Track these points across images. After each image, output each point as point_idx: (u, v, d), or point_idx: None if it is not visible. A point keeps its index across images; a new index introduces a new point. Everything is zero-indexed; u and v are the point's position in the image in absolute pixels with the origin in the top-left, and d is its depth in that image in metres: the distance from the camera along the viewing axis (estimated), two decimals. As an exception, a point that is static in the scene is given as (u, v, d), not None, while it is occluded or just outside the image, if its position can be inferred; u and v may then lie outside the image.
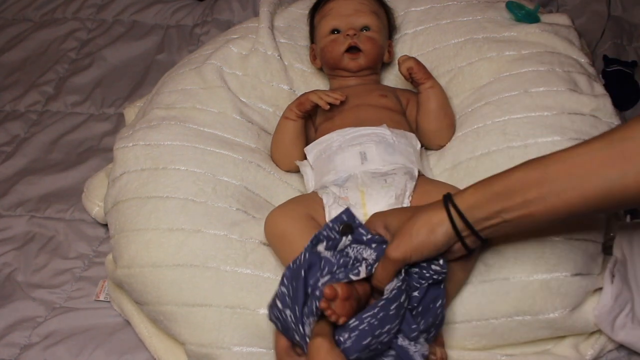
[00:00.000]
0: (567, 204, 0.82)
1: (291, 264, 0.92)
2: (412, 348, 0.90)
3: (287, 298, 0.90)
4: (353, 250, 0.94)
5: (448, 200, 0.88)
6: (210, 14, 1.79)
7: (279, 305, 0.91)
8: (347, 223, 0.96)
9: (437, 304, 0.92)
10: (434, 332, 0.94)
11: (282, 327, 0.92)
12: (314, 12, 1.38)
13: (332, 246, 0.94)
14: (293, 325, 0.90)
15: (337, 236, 0.95)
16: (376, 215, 0.98)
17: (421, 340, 0.91)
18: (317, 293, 0.88)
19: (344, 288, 0.87)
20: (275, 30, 1.39)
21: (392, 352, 0.90)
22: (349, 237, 0.95)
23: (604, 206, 0.82)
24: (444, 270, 0.91)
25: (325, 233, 0.95)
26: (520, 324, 1.01)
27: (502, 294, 1.00)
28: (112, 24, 1.82)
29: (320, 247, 0.93)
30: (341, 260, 0.92)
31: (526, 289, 1.00)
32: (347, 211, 0.97)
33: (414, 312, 0.91)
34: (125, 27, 1.81)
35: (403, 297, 0.89)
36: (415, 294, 0.91)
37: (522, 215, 0.84)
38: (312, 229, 1.00)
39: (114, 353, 1.11)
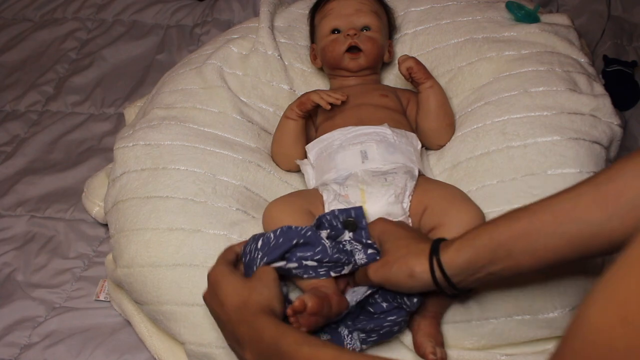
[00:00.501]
0: (553, 253, 0.81)
1: (294, 227, 0.94)
2: (347, 339, 0.95)
3: (267, 246, 0.94)
4: (351, 245, 0.95)
5: (433, 254, 0.88)
6: (210, 14, 1.80)
7: (259, 244, 0.94)
8: (352, 220, 0.97)
9: (390, 320, 0.95)
10: (375, 338, 0.96)
11: (246, 261, 0.95)
12: (314, 12, 1.38)
13: (333, 236, 0.96)
14: (254, 268, 0.93)
15: (340, 226, 0.97)
16: (377, 225, 0.99)
17: (355, 335, 0.95)
18: (292, 265, 0.93)
19: (314, 303, 0.89)
20: (275, 30, 1.39)
21: (327, 335, 0.94)
22: (350, 233, 0.96)
23: (591, 251, 0.80)
24: (413, 309, 0.94)
25: (328, 218, 0.97)
26: (520, 324, 1.00)
27: (501, 293, 1.00)
28: (112, 24, 1.82)
29: (323, 233, 0.95)
30: (335, 256, 0.94)
31: (525, 288, 0.99)
32: (359, 209, 0.98)
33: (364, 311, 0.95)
34: (125, 27, 1.81)
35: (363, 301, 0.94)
36: (383, 304, 0.95)
37: (507, 266, 0.84)
38: (308, 223, 1.01)
39: (114, 353, 1.11)
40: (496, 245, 0.83)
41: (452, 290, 0.88)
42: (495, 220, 0.86)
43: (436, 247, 0.88)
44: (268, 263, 0.93)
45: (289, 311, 0.89)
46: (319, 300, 0.90)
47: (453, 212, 1.02)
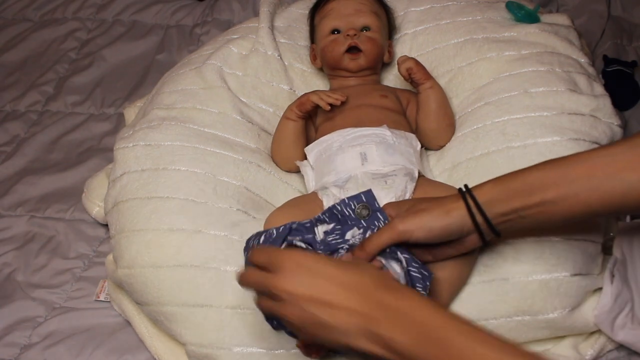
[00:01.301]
0: (585, 205, 0.82)
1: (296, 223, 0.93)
2: None
3: (268, 241, 0.93)
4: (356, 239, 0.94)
5: (466, 191, 0.88)
6: (210, 14, 1.80)
7: (261, 239, 0.93)
8: (365, 204, 0.96)
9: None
10: None
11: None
12: (314, 12, 1.38)
13: (339, 233, 0.93)
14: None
15: (353, 216, 0.94)
16: (390, 204, 0.98)
17: None
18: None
19: None
20: (275, 30, 1.39)
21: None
22: (359, 231, 0.94)
23: (622, 209, 0.83)
24: (428, 281, 0.90)
25: (339, 208, 0.95)
26: (520, 324, 1.01)
27: (501, 294, 1.00)
28: (112, 24, 1.82)
29: (321, 228, 0.94)
30: (320, 247, 0.92)
31: (525, 289, 1.00)
32: (369, 193, 0.96)
33: None
34: (125, 27, 1.81)
35: None
36: None
37: (538, 212, 0.84)
38: None
39: (114, 353, 1.12)
40: (529, 188, 0.84)
41: (487, 229, 0.87)
42: (529, 168, 0.87)
43: (466, 187, 0.88)
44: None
45: (298, 344, 0.90)
46: None
47: None
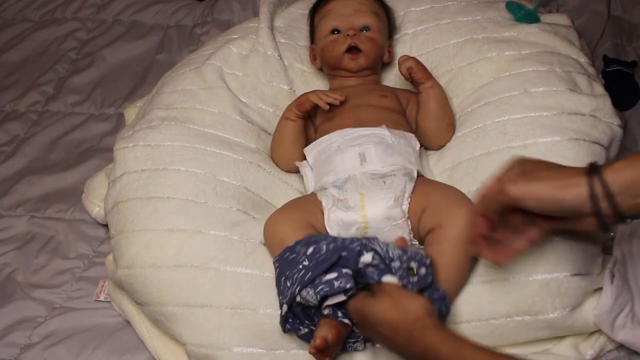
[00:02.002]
0: None
1: (345, 242, 0.94)
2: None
3: (315, 257, 0.93)
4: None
5: (593, 167, 0.80)
6: (210, 14, 1.79)
7: (309, 250, 0.94)
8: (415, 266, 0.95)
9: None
10: None
11: (289, 257, 0.96)
12: (314, 12, 1.38)
13: (379, 272, 0.93)
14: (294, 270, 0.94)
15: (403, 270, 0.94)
16: (519, 161, 0.89)
17: None
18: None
19: (334, 335, 0.91)
20: (275, 30, 1.39)
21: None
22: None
23: None
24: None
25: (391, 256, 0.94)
26: (520, 324, 1.01)
27: (501, 294, 1.00)
28: (112, 24, 1.82)
29: (366, 258, 0.93)
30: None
31: (526, 289, 1.00)
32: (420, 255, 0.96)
33: None
34: (125, 27, 1.81)
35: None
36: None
37: None
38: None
39: (114, 353, 1.12)
40: None
41: (610, 214, 0.80)
42: None
43: (595, 164, 0.81)
44: (312, 278, 0.92)
45: (311, 350, 0.91)
46: (337, 329, 0.91)
47: (452, 212, 1.02)
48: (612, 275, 1.02)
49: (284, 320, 0.97)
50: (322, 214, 1.08)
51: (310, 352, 0.92)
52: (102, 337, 1.14)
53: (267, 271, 1.04)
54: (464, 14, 1.35)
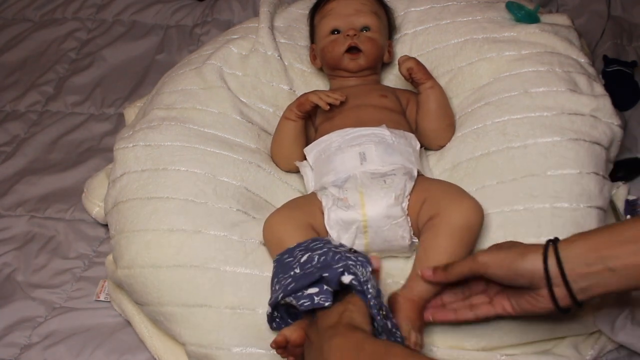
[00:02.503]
0: None
1: (335, 256, 0.93)
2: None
3: (307, 265, 0.94)
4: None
5: (550, 241, 0.85)
6: (210, 14, 1.80)
7: (303, 259, 0.94)
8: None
9: None
10: None
11: (285, 259, 0.96)
12: (314, 12, 1.38)
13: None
14: (283, 280, 0.94)
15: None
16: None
17: None
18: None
19: (297, 336, 0.90)
20: (275, 30, 1.39)
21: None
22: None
23: None
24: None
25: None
26: (520, 324, 1.00)
27: (502, 294, 1.00)
28: (112, 24, 1.82)
29: (348, 278, 0.92)
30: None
31: (526, 289, 0.99)
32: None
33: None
34: (125, 27, 1.81)
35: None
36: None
37: (630, 264, 0.77)
38: (309, 237, 1.01)
39: (114, 353, 1.12)
40: (620, 240, 0.78)
41: (563, 293, 0.82)
42: (615, 225, 0.84)
43: (555, 239, 0.85)
44: (295, 290, 0.92)
45: (272, 345, 0.91)
46: (303, 332, 0.91)
47: (451, 202, 1.02)
48: (612, 276, 1.02)
49: (270, 320, 0.98)
50: (322, 213, 1.07)
51: (271, 346, 0.92)
52: (102, 337, 1.14)
53: (267, 271, 1.04)
54: (464, 14, 1.34)
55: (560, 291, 0.83)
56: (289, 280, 0.93)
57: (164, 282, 1.05)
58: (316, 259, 0.94)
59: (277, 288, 0.95)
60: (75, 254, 1.29)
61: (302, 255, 0.96)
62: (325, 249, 0.95)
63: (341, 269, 0.91)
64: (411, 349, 0.91)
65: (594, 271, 0.80)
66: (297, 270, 0.94)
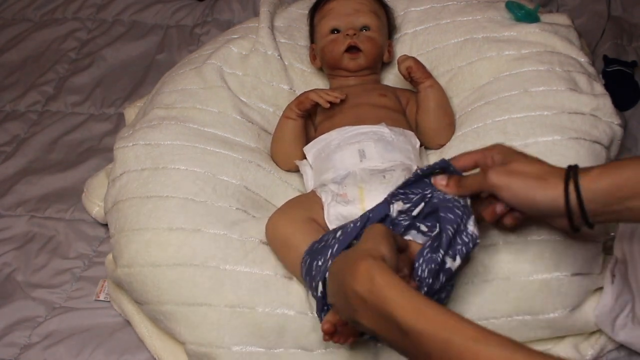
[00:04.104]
0: None
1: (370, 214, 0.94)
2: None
3: (344, 234, 0.93)
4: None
5: (571, 172, 0.83)
6: (210, 14, 1.80)
7: (338, 234, 0.94)
8: (442, 167, 0.95)
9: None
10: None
11: (319, 247, 0.95)
12: (313, 12, 1.38)
13: (409, 216, 0.93)
14: (326, 254, 0.92)
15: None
16: (499, 146, 0.92)
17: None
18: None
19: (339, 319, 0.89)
20: (275, 30, 1.39)
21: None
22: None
23: None
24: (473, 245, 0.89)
25: (417, 173, 0.95)
26: (520, 324, 1.01)
27: (501, 294, 1.00)
28: (112, 24, 1.82)
29: (397, 206, 0.94)
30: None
31: (526, 288, 1.00)
32: (442, 161, 0.96)
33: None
34: (125, 27, 1.81)
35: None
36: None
37: None
38: (314, 231, 1.02)
39: (114, 353, 1.12)
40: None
41: (580, 221, 0.82)
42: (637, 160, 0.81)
43: (574, 169, 0.83)
44: (338, 250, 0.91)
45: (325, 338, 0.90)
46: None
47: None
48: (613, 275, 1.02)
49: (320, 304, 0.93)
50: (322, 209, 1.07)
51: (324, 340, 0.91)
52: (102, 337, 1.14)
53: (267, 270, 1.04)
54: (464, 14, 1.35)
55: (577, 221, 0.84)
56: (335, 247, 0.92)
57: (164, 280, 1.05)
58: (351, 225, 0.94)
59: (320, 264, 0.92)
60: (75, 254, 1.29)
61: (334, 233, 0.95)
62: (357, 219, 0.95)
63: (388, 199, 0.93)
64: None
65: (612, 210, 0.81)
66: (335, 241, 0.93)
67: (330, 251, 0.92)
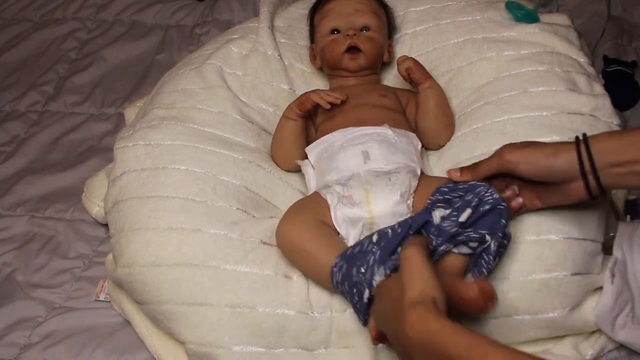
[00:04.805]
0: None
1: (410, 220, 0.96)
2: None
3: (384, 240, 0.94)
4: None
5: (581, 137, 0.88)
6: (210, 14, 1.80)
7: (374, 238, 0.95)
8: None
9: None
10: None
11: (355, 251, 0.96)
12: (313, 12, 1.38)
13: (455, 220, 0.94)
14: (366, 261, 0.93)
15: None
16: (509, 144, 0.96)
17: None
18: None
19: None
20: (275, 30, 1.39)
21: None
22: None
23: None
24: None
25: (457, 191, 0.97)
26: (520, 324, 1.01)
27: (501, 294, 1.00)
28: (112, 24, 1.82)
29: (439, 212, 0.96)
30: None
31: (525, 288, 1.00)
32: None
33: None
34: (125, 27, 1.81)
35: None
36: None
37: None
38: (328, 235, 1.02)
39: (114, 353, 1.12)
40: None
41: (594, 181, 0.87)
42: None
43: (584, 135, 0.89)
44: (391, 251, 0.92)
45: (374, 342, 0.92)
46: None
47: None
48: (613, 275, 1.02)
49: (365, 310, 0.94)
50: (329, 211, 1.07)
51: (374, 344, 0.94)
52: (102, 337, 1.14)
53: (267, 269, 1.04)
54: (463, 14, 1.35)
55: (592, 183, 0.89)
56: (378, 254, 0.92)
57: (164, 280, 1.05)
58: (390, 231, 0.95)
59: (363, 270, 0.92)
60: (75, 254, 1.29)
61: (370, 238, 0.96)
62: (394, 224, 0.96)
63: (429, 206, 0.95)
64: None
65: (618, 172, 0.87)
66: (376, 248, 0.93)
67: (372, 258, 0.93)
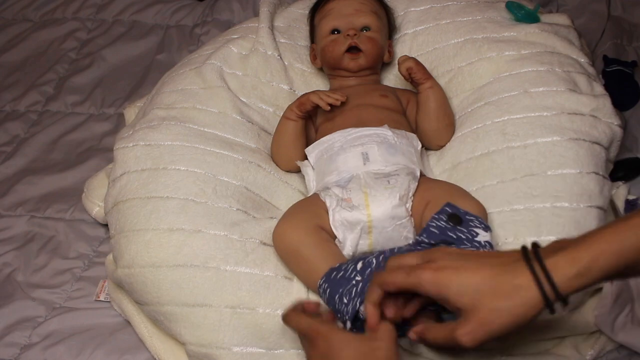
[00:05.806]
0: None
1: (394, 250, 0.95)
2: None
3: (368, 269, 0.93)
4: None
5: (536, 259, 0.74)
6: (210, 14, 1.80)
7: (359, 266, 0.94)
8: (453, 213, 0.94)
9: None
10: None
11: (338, 276, 0.95)
12: (314, 12, 1.38)
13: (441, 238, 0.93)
14: (350, 289, 0.93)
15: (445, 223, 0.93)
16: (446, 276, 0.78)
17: None
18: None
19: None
20: (275, 30, 1.39)
21: None
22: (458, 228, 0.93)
23: None
24: None
25: (433, 224, 0.94)
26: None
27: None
28: (112, 24, 1.82)
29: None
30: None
31: (526, 289, 0.99)
32: (449, 204, 0.95)
33: None
34: (125, 27, 1.81)
35: None
36: None
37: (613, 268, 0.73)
38: (324, 241, 1.03)
39: (114, 353, 1.11)
40: (602, 249, 0.73)
41: (560, 308, 0.75)
42: (614, 224, 0.74)
43: (535, 250, 0.75)
44: (363, 291, 0.91)
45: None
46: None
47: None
48: (612, 276, 1.02)
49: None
50: (327, 213, 1.07)
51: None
52: (102, 337, 1.14)
53: (267, 270, 1.04)
54: (464, 14, 1.35)
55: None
56: (360, 285, 0.92)
57: (164, 281, 1.05)
58: (374, 261, 0.94)
59: (345, 301, 0.93)
60: (75, 254, 1.29)
61: (355, 264, 0.95)
62: (377, 253, 0.96)
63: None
64: None
65: (580, 284, 0.74)
66: (359, 277, 0.93)
67: (354, 289, 0.93)
